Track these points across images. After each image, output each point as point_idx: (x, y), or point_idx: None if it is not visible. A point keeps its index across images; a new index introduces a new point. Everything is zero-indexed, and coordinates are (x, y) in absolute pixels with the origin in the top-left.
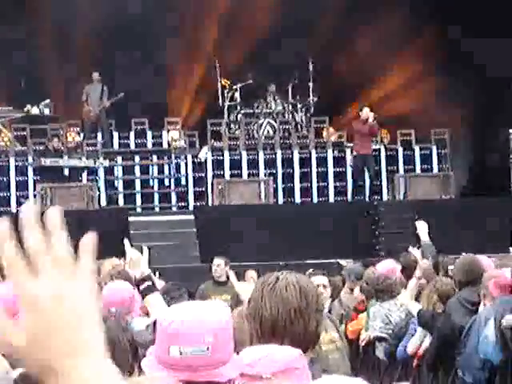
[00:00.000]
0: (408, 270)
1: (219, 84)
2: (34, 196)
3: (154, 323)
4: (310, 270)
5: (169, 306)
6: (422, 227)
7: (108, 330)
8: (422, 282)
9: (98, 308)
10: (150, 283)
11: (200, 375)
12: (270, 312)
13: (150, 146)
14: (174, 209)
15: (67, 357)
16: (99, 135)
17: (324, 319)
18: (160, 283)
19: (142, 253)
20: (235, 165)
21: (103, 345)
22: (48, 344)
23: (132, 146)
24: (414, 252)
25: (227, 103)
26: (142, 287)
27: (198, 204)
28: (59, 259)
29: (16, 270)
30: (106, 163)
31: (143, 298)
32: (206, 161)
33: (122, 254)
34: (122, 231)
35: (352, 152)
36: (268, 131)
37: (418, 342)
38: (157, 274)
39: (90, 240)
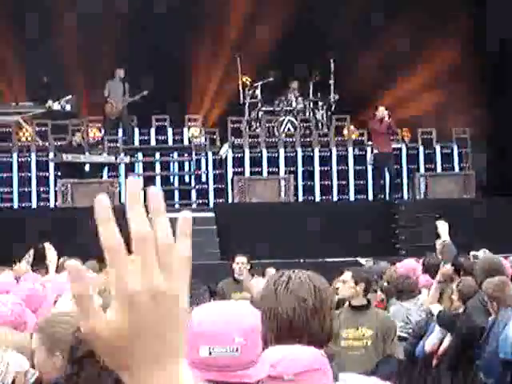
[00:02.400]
0: (429, 271)
1: (240, 81)
2: (55, 192)
3: None
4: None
5: (189, 303)
6: (442, 227)
7: None
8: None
9: (187, 311)
10: None
11: (229, 375)
12: (286, 312)
13: (170, 142)
14: (194, 206)
15: (150, 364)
16: (120, 131)
17: (365, 315)
18: None
19: None
20: (256, 162)
21: (184, 356)
22: (134, 345)
23: (153, 143)
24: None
25: (248, 100)
26: None
27: (219, 201)
28: (163, 250)
29: (116, 258)
30: (127, 159)
31: None
32: (226, 158)
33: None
34: None
35: (372, 150)
36: (289, 129)
37: (435, 340)
38: None
39: (187, 222)
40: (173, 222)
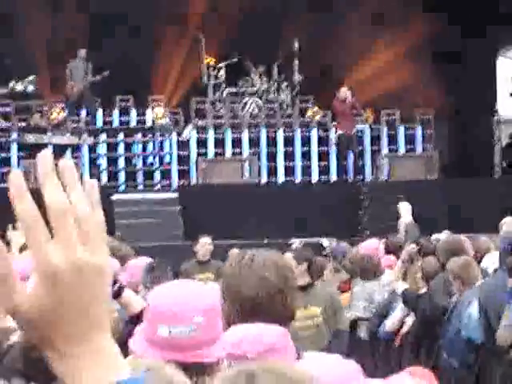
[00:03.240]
0: (391, 251)
1: (204, 62)
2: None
3: (131, 319)
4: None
5: (153, 283)
6: (404, 208)
7: None
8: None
9: (109, 285)
10: (120, 284)
11: (188, 355)
12: (248, 291)
13: (134, 123)
14: (158, 187)
15: (75, 340)
16: (83, 112)
17: (310, 293)
18: (145, 259)
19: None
20: (219, 143)
21: (109, 328)
22: (58, 320)
23: (116, 124)
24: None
25: (212, 81)
26: (114, 288)
27: (182, 182)
28: (82, 221)
29: (35, 233)
30: (90, 140)
31: (116, 298)
32: (190, 139)
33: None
34: (105, 209)
35: (336, 132)
36: (253, 110)
37: (396, 320)
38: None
39: (95, 189)
40: (135, 202)
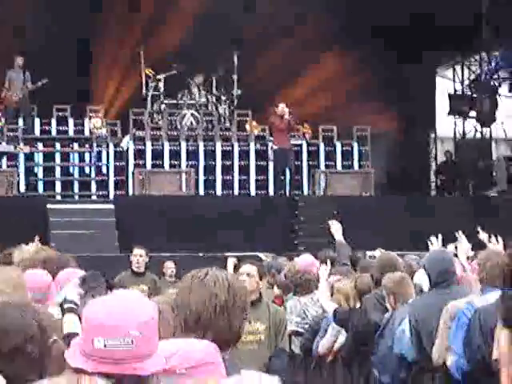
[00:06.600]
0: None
1: (143, 73)
2: None
3: (68, 336)
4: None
5: (87, 295)
6: (335, 227)
7: (14, 316)
8: (339, 278)
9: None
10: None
11: (123, 368)
12: (195, 305)
13: (71, 133)
14: (94, 197)
15: None
16: (20, 121)
17: (257, 309)
18: (78, 272)
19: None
20: (157, 155)
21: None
22: None
23: (53, 133)
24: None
25: (151, 93)
26: (65, 306)
27: (118, 193)
28: None
29: None
30: (27, 149)
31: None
32: (127, 150)
33: (39, 240)
34: (41, 218)
35: (272, 147)
36: (191, 122)
37: (328, 343)
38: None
39: None
40: (70, 212)
